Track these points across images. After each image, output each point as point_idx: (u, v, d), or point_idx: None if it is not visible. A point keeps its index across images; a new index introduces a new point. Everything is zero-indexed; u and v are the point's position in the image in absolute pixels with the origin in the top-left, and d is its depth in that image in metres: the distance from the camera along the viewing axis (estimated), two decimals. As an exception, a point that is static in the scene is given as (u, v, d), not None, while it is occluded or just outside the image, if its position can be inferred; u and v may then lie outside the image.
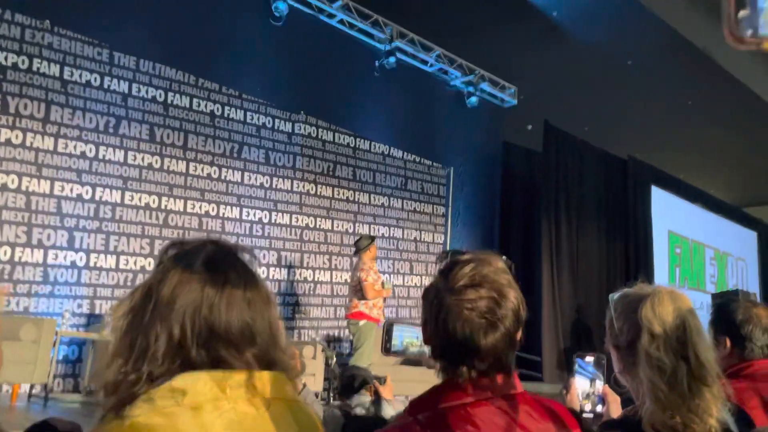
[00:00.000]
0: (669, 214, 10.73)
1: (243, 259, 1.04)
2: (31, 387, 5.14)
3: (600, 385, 1.78)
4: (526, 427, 1.12)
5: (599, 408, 1.77)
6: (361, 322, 5.83)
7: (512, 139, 9.72)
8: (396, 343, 1.56)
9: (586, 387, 1.93)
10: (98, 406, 0.92)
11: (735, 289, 8.64)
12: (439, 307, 1.16)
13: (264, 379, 0.95)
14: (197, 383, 0.89)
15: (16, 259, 5.68)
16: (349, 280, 6.56)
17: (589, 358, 1.83)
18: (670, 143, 10.41)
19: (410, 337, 1.53)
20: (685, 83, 8.58)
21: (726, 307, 1.90)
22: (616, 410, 1.66)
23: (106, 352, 0.95)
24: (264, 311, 1.00)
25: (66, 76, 6.16)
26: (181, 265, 0.97)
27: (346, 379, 3.24)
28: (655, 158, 10.54)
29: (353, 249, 6.50)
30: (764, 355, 1.81)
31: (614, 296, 1.59)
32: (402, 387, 4.76)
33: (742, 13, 0.46)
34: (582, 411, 1.88)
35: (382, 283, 6.13)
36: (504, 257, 1.25)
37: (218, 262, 0.99)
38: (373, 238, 6.34)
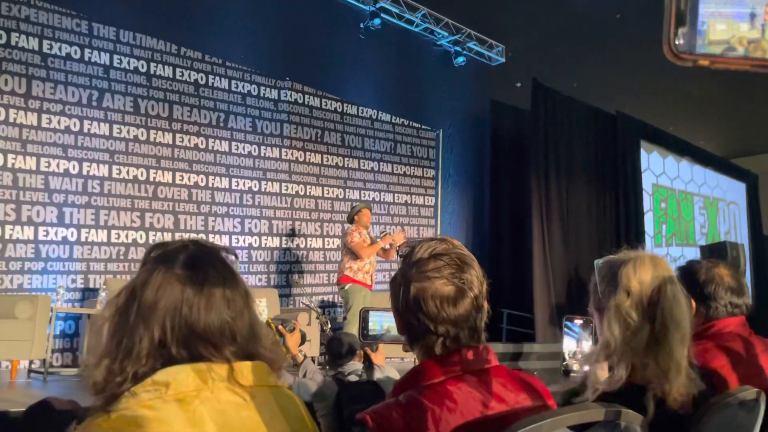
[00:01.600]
0: (658, 168, 10.78)
1: (223, 259, 1.07)
2: (30, 362, 5.21)
3: (587, 345, 1.84)
4: (503, 398, 1.16)
5: (586, 368, 1.84)
6: (347, 286, 5.85)
7: (500, 97, 9.65)
8: (375, 328, 1.60)
9: (573, 347, 1.99)
10: (88, 408, 0.96)
11: (722, 241, 8.74)
12: (406, 285, 1.18)
13: (245, 369, 0.98)
14: (179, 375, 0.92)
15: (7, 236, 5.69)
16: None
17: (578, 321, 1.88)
18: (659, 97, 10.37)
19: (389, 321, 1.56)
20: (674, 36, 8.50)
21: (689, 268, 1.94)
22: (602, 370, 1.72)
23: (93, 350, 0.99)
24: (243, 309, 1.03)
25: (46, 50, 6.05)
26: (162, 267, 1.01)
27: (334, 347, 3.30)
28: (644, 113, 10.52)
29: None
30: (728, 313, 1.86)
31: (599, 262, 1.64)
32: (396, 349, 4.85)
33: (681, 30, 0.47)
34: (569, 370, 1.95)
35: (371, 240, 6.10)
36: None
37: (198, 263, 1.02)
38: (360, 206, 6.22)
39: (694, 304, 1.94)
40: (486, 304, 1.22)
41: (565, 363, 1.96)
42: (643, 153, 10.41)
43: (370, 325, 1.60)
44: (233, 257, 1.12)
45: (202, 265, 1.02)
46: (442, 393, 1.12)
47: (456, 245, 1.23)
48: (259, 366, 1.00)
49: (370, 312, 1.61)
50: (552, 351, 3.42)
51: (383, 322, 1.57)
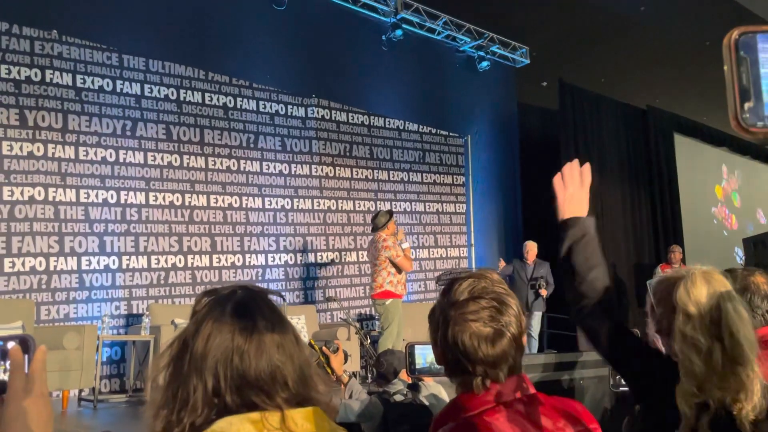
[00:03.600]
0: (694, 161, 10.56)
1: (271, 303, 1.08)
2: (80, 391, 5.33)
3: None
4: (544, 426, 1.16)
5: None
6: (388, 301, 5.82)
7: (527, 99, 9.60)
8: (420, 361, 1.61)
9: None
10: None
11: (767, 232, 8.49)
12: (445, 324, 1.21)
13: (297, 416, 0.99)
14: (235, 426, 0.94)
15: (52, 268, 5.84)
16: (369, 258, 6.43)
17: None
18: (690, 87, 10.18)
19: (432, 354, 1.57)
20: (701, 22, 8.34)
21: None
22: None
23: (151, 400, 1.01)
24: (293, 353, 1.03)
25: (79, 84, 6.22)
26: (212, 316, 1.02)
27: (381, 367, 3.30)
28: (675, 105, 10.33)
29: (371, 225, 6.44)
30: (766, 322, 1.80)
31: (652, 282, 1.62)
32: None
33: (746, 105, 0.47)
34: (619, 384, 1.91)
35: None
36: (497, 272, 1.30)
37: (247, 309, 1.03)
38: (391, 214, 6.24)
39: None
40: (525, 340, 1.24)
41: (617, 377, 1.94)
42: (683, 146, 10.18)
43: (416, 359, 1.61)
44: (280, 300, 1.14)
45: (250, 311, 1.03)
46: (482, 424, 1.13)
47: (495, 281, 1.25)
48: (310, 413, 0.99)
49: (416, 346, 1.62)
50: (596, 359, 3.35)
51: (426, 355, 1.58)
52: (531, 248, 7.88)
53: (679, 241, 9.03)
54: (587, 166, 1.76)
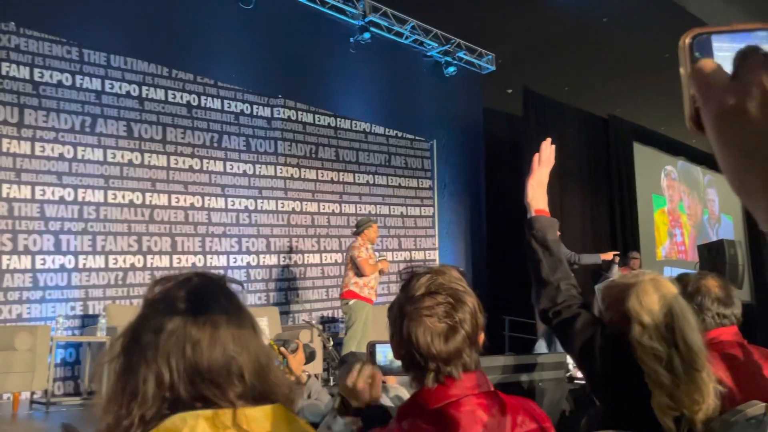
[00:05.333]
0: (652, 170, 10.81)
1: (228, 290, 1.04)
2: (32, 394, 5.17)
3: None
4: (503, 421, 1.17)
5: None
6: (351, 302, 5.83)
7: (493, 105, 9.71)
8: (380, 358, 1.61)
9: None
10: None
11: (720, 239, 8.75)
12: (401, 318, 1.22)
13: (254, 414, 0.95)
14: (187, 423, 0.90)
15: (4, 267, 5.66)
16: (340, 260, 6.52)
17: None
18: (650, 97, 10.44)
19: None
20: (661, 35, 8.55)
21: (677, 281, 1.95)
22: None
23: (101, 393, 0.97)
24: (250, 344, 0.99)
25: (37, 78, 6.05)
26: (164, 305, 0.97)
27: (343, 367, 3.28)
28: (636, 115, 10.57)
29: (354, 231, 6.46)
30: (717, 324, 1.85)
31: (599, 287, 1.66)
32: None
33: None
34: (574, 378, 1.93)
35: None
36: (460, 269, 1.31)
37: (201, 298, 0.99)
38: (369, 221, 6.26)
39: None
40: (482, 337, 1.25)
41: (569, 374, 1.97)
42: (642, 156, 10.39)
43: (377, 357, 1.60)
44: (239, 287, 1.10)
45: (204, 299, 0.99)
46: (443, 417, 1.14)
47: (453, 278, 1.25)
48: (266, 411, 0.95)
49: (377, 345, 1.61)
50: (555, 361, 3.41)
51: (387, 353, 1.58)
52: None
53: (636, 247, 9.24)
54: (553, 148, 1.84)
